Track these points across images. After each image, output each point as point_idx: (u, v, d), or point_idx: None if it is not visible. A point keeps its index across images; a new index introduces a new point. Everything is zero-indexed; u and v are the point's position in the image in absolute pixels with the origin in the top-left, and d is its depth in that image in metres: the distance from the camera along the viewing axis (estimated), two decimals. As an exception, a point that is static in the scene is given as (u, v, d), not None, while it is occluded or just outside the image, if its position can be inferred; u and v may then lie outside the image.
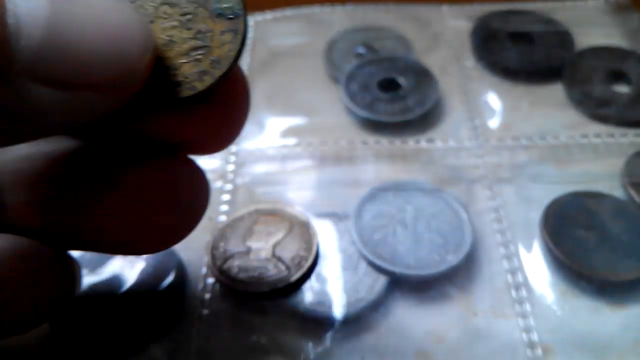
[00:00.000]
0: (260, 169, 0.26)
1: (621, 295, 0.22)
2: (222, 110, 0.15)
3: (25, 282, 0.14)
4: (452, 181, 0.25)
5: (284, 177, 0.26)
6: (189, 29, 0.13)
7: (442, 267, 0.22)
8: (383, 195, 0.24)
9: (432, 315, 0.21)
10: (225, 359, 0.20)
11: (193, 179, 0.15)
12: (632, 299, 0.21)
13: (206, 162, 0.24)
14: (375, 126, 0.28)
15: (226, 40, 0.13)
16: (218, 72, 0.13)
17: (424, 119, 0.28)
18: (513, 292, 0.22)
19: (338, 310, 0.21)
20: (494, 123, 0.28)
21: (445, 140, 0.27)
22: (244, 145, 0.27)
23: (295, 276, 0.21)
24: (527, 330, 0.21)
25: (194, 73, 0.13)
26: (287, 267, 0.22)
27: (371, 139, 0.27)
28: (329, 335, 0.21)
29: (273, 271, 0.22)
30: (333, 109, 0.29)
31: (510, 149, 0.27)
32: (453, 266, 0.22)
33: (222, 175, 0.26)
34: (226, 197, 0.25)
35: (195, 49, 0.13)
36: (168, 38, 0.13)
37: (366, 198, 0.24)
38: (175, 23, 0.13)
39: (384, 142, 0.27)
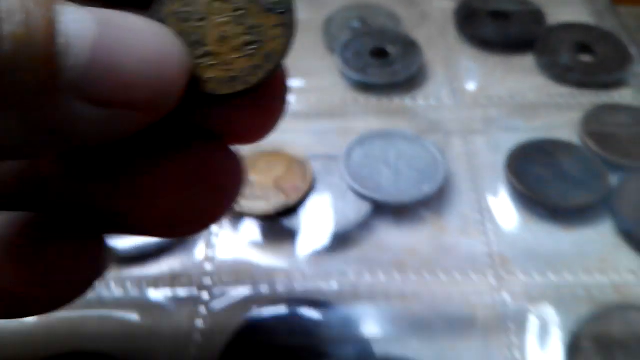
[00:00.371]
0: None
1: (572, 220, 0.25)
2: (267, 101, 0.15)
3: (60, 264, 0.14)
4: (431, 132, 0.29)
5: (284, 126, 0.30)
6: (241, 24, 0.14)
7: (418, 196, 0.25)
8: (370, 141, 0.28)
9: (408, 234, 0.25)
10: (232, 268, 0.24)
11: (231, 165, 0.15)
12: (581, 222, 0.25)
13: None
14: (366, 87, 0.32)
15: (277, 34, 0.14)
16: (270, 66, 0.13)
17: (409, 82, 0.32)
18: (478, 216, 0.25)
19: (330, 229, 0.25)
20: (470, 86, 0.32)
21: (427, 99, 0.31)
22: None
23: (294, 201, 0.25)
24: (488, 245, 0.24)
25: (247, 67, 0.13)
26: (287, 195, 0.26)
27: (362, 97, 0.31)
28: (321, 249, 0.24)
29: (275, 198, 0.25)
30: (329, 74, 0.33)
31: (483, 106, 0.31)
32: (427, 194, 0.26)
33: (232, 126, 0.30)
34: (235, 143, 0.29)
35: (248, 43, 0.14)
36: (222, 34, 0.14)
37: (355, 142, 0.28)
38: (228, 19, 0.14)
39: (373, 100, 0.31)
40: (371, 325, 0.22)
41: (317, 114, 0.30)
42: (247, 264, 0.24)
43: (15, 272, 0.13)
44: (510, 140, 0.28)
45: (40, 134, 0.10)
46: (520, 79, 0.32)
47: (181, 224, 0.15)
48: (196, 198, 0.14)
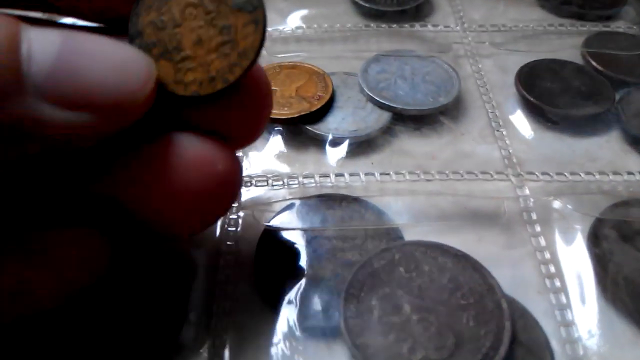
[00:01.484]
0: (279, 45, 0.31)
1: (581, 129, 0.27)
2: (251, 98, 0.16)
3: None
4: (442, 53, 0.30)
5: (300, 48, 0.30)
6: (214, 26, 0.14)
7: (436, 105, 0.26)
8: (385, 58, 0.29)
9: (428, 141, 0.26)
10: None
11: (225, 160, 0.16)
12: (590, 131, 0.27)
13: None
14: (376, 15, 0.32)
15: (249, 32, 0.14)
16: (246, 62, 0.14)
17: (418, 11, 0.33)
18: (493, 124, 0.26)
19: (352, 134, 0.25)
20: (475, 16, 0.33)
21: (436, 25, 0.32)
22: (264, 26, 0.32)
23: (316, 107, 0.26)
24: (505, 148, 0.25)
25: (224, 67, 0.14)
26: (309, 102, 0.26)
27: (373, 23, 0.32)
28: (345, 151, 0.25)
29: (297, 105, 0.26)
30: (340, 2, 0.33)
31: (489, 32, 0.32)
32: (445, 104, 0.26)
33: (247, 47, 0.30)
34: (251, 62, 0.29)
35: (223, 44, 0.14)
36: (197, 37, 0.14)
37: (371, 60, 0.29)
38: (201, 22, 0.14)
39: (384, 26, 0.31)
40: (399, 217, 0.22)
41: (331, 38, 0.31)
42: (275, 169, 0.24)
43: (18, 269, 0.14)
44: (517, 62, 0.29)
45: (9, 132, 0.11)
46: (521, 10, 0.34)
47: (182, 218, 0.16)
48: (191, 189, 0.15)
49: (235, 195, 0.17)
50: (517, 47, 0.31)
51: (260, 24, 0.14)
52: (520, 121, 0.27)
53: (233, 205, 0.23)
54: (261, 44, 0.14)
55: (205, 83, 0.15)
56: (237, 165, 0.16)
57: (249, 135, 0.18)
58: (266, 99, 0.17)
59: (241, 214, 0.23)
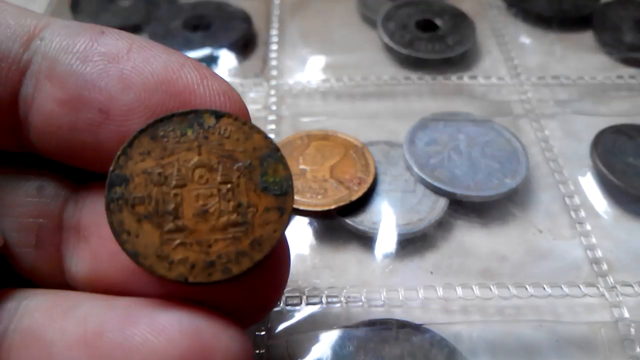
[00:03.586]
0: (302, 102, 0.26)
1: (675, 218, 0.22)
2: (258, 284, 0.13)
3: None
4: (498, 115, 0.25)
5: (327, 109, 0.25)
6: (228, 200, 0.12)
7: (502, 189, 0.21)
8: (434, 124, 0.24)
9: (494, 236, 0.21)
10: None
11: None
12: (686, 221, 0.22)
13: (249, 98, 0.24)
14: (415, 64, 0.27)
15: (270, 219, 0.12)
16: (258, 255, 0.11)
17: (464, 58, 0.28)
18: (572, 213, 0.22)
19: (402, 230, 0.20)
20: (531, 63, 0.28)
21: (488, 77, 0.27)
22: (285, 79, 0.26)
23: (357, 195, 0.21)
24: (590, 248, 0.21)
25: (229, 253, 0.11)
26: (347, 187, 0.21)
27: (414, 75, 0.27)
28: (394, 250, 0.20)
29: (333, 192, 0.21)
30: (370, 48, 0.28)
31: (550, 86, 0.27)
32: (513, 188, 0.21)
33: (266, 107, 0.25)
34: (271, 126, 0.24)
35: (234, 224, 0.12)
36: (202, 208, 0.12)
37: (417, 127, 0.24)
38: (212, 191, 0.12)
39: (427, 78, 0.27)
40: (471, 353, 0.18)
41: (364, 94, 0.26)
42: (310, 277, 0.20)
43: None
44: (587, 124, 0.25)
45: None
46: (582, 57, 0.29)
47: None
48: None
49: None
50: (585, 105, 0.26)
51: (286, 213, 0.12)
52: (602, 207, 0.22)
53: (258, 333, 0.18)
54: (282, 237, 0.12)
55: (199, 268, 0.11)
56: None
57: (254, 314, 0.13)
58: (280, 283, 0.13)
59: (271, 343, 0.18)
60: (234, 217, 0.11)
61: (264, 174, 0.12)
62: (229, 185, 0.12)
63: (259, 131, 0.12)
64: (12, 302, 0.12)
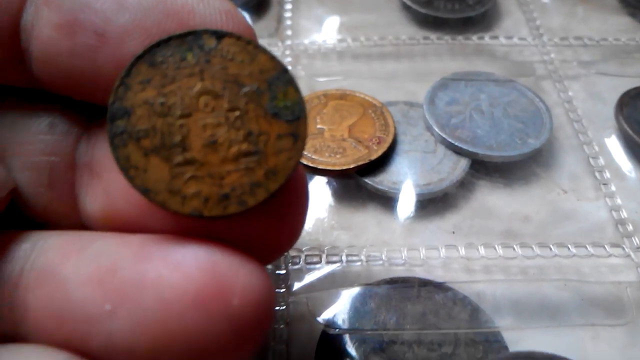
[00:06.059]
0: (318, 62, 0.25)
1: (702, 180, 0.21)
2: (276, 218, 0.12)
3: None
4: (520, 76, 0.24)
5: (344, 69, 0.25)
6: (237, 128, 0.11)
7: (525, 150, 0.21)
8: (455, 84, 0.23)
9: (516, 196, 0.21)
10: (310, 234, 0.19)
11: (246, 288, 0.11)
12: None
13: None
14: (434, 23, 0.27)
15: (284, 146, 0.11)
16: (274, 185, 0.11)
17: (484, 18, 0.27)
18: (597, 174, 0.21)
19: (423, 190, 0.20)
20: (553, 24, 0.27)
21: (510, 37, 0.26)
22: (300, 39, 0.26)
23: (376, 154, 0.20)
24: (615, 209, 0.20)
25: (244, 184, 0.11)
26: (366, 147, 0.20)
27: (433, 35, 0.26)
28: (414, 210, 0.20)
29: (352, 151, 0.20)
30: (388, 7, 0.28)
31: (573, 47, 0.26)
32: (536, 149, 0.21)
33: (281, 66, 0.25)
34: (287, 86, 0.24)
35: (246, 154, 0.11)
36: (211, 138, 0.11)
37: (437, 86, 0.23)
38: (220, 119, 0.11)
39: (446, 38, 0.26)
40: (496, 313, 0.17)
41: (381, 54, 0.25)
42: (329, 237, 0.19)
43: None
44: (612, 86, 0.24)
45: None
46: (605, 19, 0.28)
47: None
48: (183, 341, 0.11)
49: (263, 338, 0.12)
50: (609, 67, 0.25)
51: (300, 140, 0.11)
52: (627, 168, 0.21)
53: (279, 291, 0.18)
54: (297, 165, 0.11)
55: (213, 201, 0.11)
56: (267, 297, 0.11)
57: (273, 250, 0.13)
58: (300, 215, 0.12)
59: (291, 300, 0.17)
60: (245, 146, 0.11)
61: (273, 99, 0.11)
62: (237, 113, 0.11)
63: (264, 51, 0.11)
64: (27, 243, 0.12)
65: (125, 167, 0.11)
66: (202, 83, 0.11)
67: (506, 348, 0.16)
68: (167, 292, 0.10)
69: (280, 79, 0.11)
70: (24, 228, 0.12)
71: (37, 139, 0.12)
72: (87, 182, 0.12)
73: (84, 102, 0.12)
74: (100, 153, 0.12)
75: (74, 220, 0.13)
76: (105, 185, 0.12)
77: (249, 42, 0.11)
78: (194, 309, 0.10)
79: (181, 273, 0.10)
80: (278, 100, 0.11)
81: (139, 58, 0.11)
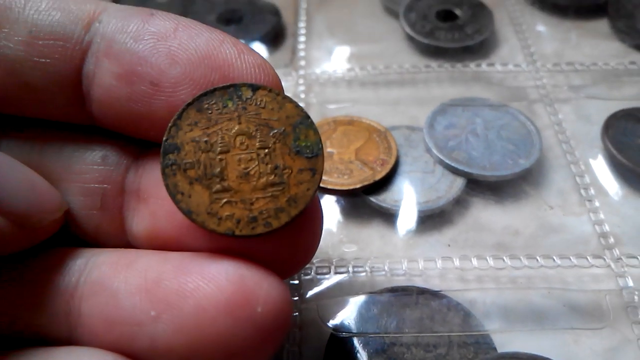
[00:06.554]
0: (329, 90, 0.27)
1: (681, 196, 0.23)
2: (295, 239, 0.14)
3: None
4: (514, 100, 0.27)
5: (352, 97, 0.27)
6: (266, 163, 0.13)
7: (516, 169, 0.23)
8: (452, 109, 0.25)
9: (508, 212, 0.23)
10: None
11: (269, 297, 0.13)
12: (692, 198, 0.23)
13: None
14: (436, 52, 0.29)
15: (304, 178, 0.13)
16: (295, 211, 0.13)
17: (482, 46, 0.29)
18: (582, 191, 0.23)
19: (422, 207, 0.22)
20: (547, 50, 0.29)
21: (505, 64, 0.28)
22: (312, 69, 0.28)
23: (380, 175, 0.22)
24: (598, 223, 0.22)
25: (269, 209, 0.13)
26: (371, 168, 0.23)
27: (434, 63, 0.28)
28: (415, 225, 0.22)
29: (358, 173, 0.23)
30: (393, 38, 0.30)
31: (565, 72, 0.28)
32: (526, 168, 0.23)
33: (295, 95, 0.27)
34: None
35: (272, 184, 0.13)
36: (244, 170, 0.13)
37: (437, 111, 0.25)
38: (252, 155, 0.13)
39: (446, 66, 0.28)
40: (486, 318, 0.19)
41: (387, 82, 0.28)
42: (337, 249, 0.21)
43: None
44: (600, 108, 0.26)
45: None
46: (596, 44, 0.30)
47: None
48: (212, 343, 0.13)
49: (281, 340, 0.14)
50: (598, 90, 0.27)
51: (318, 174, 0.13)
52: (611, 185, 0.23)
53: (294, 299, 0.20)
54: (314, 195, 0.13)
55: (244, 222, 0.13)
56: (286, 305, 0.13)
57: (291, 267, 0.15)
58: (317, 235, 0.15)
59: (304, 307, 0.20)
60: (272, 177, 0.13)
61: (296, 139, 0.13)
62: (266, 150, 0.13)
63: (291, 101, 0.14)
64: (81, 259, 0.14)
65: (173, 193, 0.13)
66: (239, 126, 0.13)
67: (495, 349, 0.18)
68: (203, 300, 0.12)
69: (303, 123, 0.13)
70: (73, 246, 0.15)
71: (91, 169, 0.15)
72: (134, 206, 0.15)
73: (132, 137, 0.15)
74: (146, 181, 0.14)
75: (120, 239, 0.15)
76: (151, 209, 0.14)
77: (278, 94, 0.14)
78: (225, 315, 0.12)
79: (215, 284, 0.12)
80: (300, 141, 0.13)
81: (189, 104, 0.13)
